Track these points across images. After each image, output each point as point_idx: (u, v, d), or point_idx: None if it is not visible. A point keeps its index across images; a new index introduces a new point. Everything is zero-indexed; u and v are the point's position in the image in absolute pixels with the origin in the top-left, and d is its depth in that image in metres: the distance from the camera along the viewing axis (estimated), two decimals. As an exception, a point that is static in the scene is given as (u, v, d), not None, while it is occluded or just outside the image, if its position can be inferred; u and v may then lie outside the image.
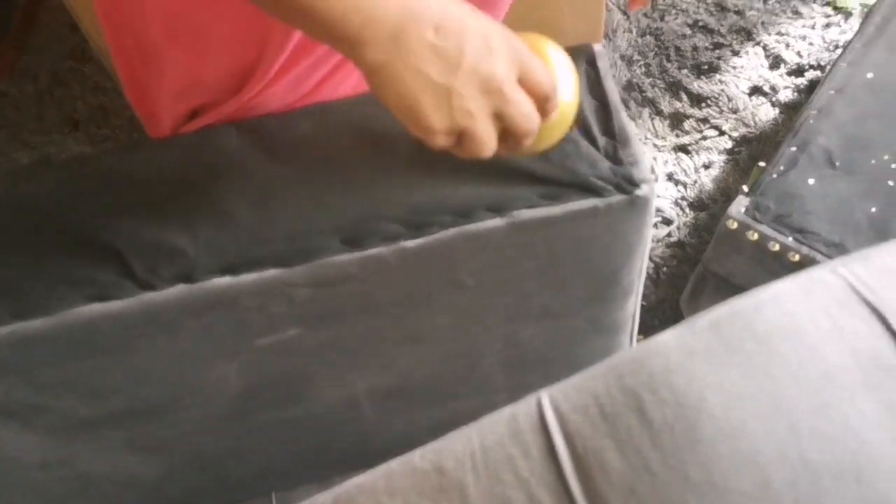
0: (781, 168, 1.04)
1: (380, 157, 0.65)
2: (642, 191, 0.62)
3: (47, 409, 0.67)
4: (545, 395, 0.46)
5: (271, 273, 0.62)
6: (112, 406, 0.69)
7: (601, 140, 0.64)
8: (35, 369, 0.63)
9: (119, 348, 0.64)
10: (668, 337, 0.45)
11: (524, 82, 0.50)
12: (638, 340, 1.24)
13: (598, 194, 0.62)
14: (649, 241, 0.69)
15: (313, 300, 0.64)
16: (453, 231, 0.62)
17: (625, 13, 1.63)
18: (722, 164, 1.40)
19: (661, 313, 1.26)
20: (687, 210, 1.35)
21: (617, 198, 0.62)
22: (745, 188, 1.04)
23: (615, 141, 0.64)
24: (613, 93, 0.67)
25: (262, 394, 0.74)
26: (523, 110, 0.50)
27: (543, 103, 0.52)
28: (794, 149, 1.06)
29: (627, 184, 0.62)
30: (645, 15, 1.62)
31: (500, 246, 0.64)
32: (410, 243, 0.62)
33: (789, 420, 0.40)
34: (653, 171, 1.39)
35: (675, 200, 1.36)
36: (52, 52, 1.60)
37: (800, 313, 0.44)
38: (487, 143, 0.50)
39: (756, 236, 1.00)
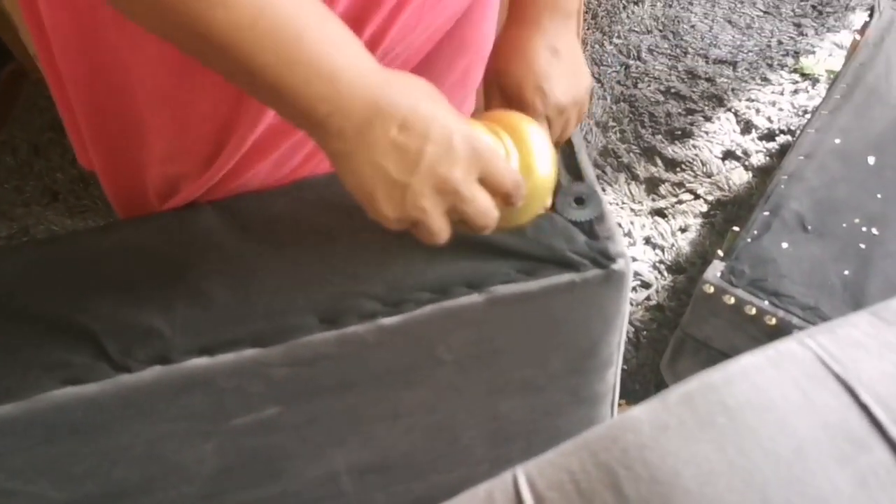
0: (755, 232, 1.05)
1: (356, 235, 0.65)
2: (618, 265, 0.63)
3: (18, 493, 0.66)
4: (521, 472, 0.46)
5: (249, 353, 0.61)
6: (85, 490, 0.68)
7: (576, 215, 0.65)
8: (6, 454, 0.62)
9: (93, 431, 0.63)
10: (640, 412, 0.45)
11: (485, 181, 0.52)
12: (619, 404, 1.24)
13: (574, 269, 0.62)
14: (627, 314, 0.69)
15: (291, 379, 0.64)
16: (431, 308, 0.62)
17: (598, 80, 1.67)
18: (698, 227, 1.42)
19: (641, 377, 1.26)
20: (665, 273, 1.36)
21: (593, 272, 0.63)
22: (721, 253, 1.05)
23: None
24: (588, 167, 0.68)
25: (239, 473, 0.72)
26: (479, 208, 0.52)
27: (506, 199, 0.54)
28: (766, 213, 1.08)
29: (604, 258, 0.63)
30: (618, 83, 1.66)
31: (478, 322, 0.64)
32: (388, 321, 0.62)
33: (763, 495, 0.39)
34: (629, 234, 1.41)
35: (654, 264, 1.37)
36: (32, 124, 1.61)
37: (770, 387, 0.44)
38: (439, 234, 0.52)
39: (732, 300, 1.00)
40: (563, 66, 0.65)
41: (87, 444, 0.64)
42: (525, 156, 0.58)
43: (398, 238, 0.65)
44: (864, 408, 0.43)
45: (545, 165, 0.59)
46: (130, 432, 0.64)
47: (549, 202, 0.62)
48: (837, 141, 1.16)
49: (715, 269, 1.03)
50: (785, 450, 0.41)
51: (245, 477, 0.73)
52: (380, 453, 0.76)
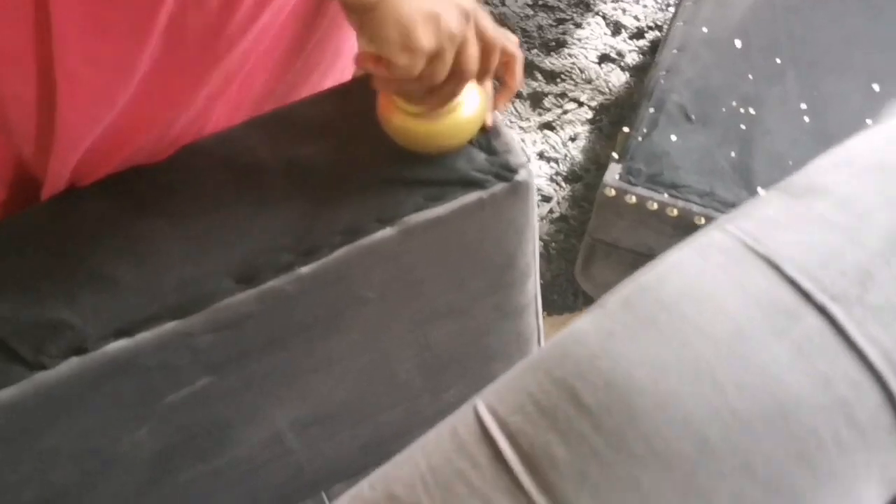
0: (644, 130, 1.09)
1: (254, 191, 0.64)
2: (521, 176, 0.64)
3: (-48, 515, 0.63)
4: (480, 403, 0.46)
5: (169, 326, 0.59)
6: (25, 498, 0.65)
7: (473, 134, 0.66)
8: (-70, 477, 0.59)
9: (20, 436, 0.60)
10: (583, 323, 0.46)
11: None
12: (543, 317, 1.28)
13: (480, 186, 0.63)
14: (537, 223, 0.70)
15: (218, 345, 0.62)
16: (346, 249, 0.61)
17: (468, 5, 1.66)
18: (587, 134, 1.45)
19: (558, 287, 1.29)
20: (563, 184, 1.39)
21: (499, 186, 0.63)
22: (616, 155, 1.08)
23: (487, 133, 0.65)
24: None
25: (181, 451, 0.71)
26: (476, 49, 0.57)
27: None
28: (652, 110, 1.11)
29: (506, 171, 0.64)
30: (486, 2, 1.66)
31: (395, 254, 0.64)
32: (305, 269, 0.61)
33: (712, 379, 0.41)
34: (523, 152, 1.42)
35: (550, 177, 1.40)
36: None
37: (701, 277, 0.46)
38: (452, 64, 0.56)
39: (634, 199, 1.04)
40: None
41: (16, 451, 0.61)
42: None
43: (298, 187, 0.64)
44: (791, 281, 0.45)
45: (473, 107, 0.63)
46: (59, 431, 0.62)
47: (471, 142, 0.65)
48: (705, 30, 1.20)
49: (613, 172, 1.06)
50: (724, 333, 0.43)
51: (188, 454, 0.72)
52: (319, 404, 0.76)
